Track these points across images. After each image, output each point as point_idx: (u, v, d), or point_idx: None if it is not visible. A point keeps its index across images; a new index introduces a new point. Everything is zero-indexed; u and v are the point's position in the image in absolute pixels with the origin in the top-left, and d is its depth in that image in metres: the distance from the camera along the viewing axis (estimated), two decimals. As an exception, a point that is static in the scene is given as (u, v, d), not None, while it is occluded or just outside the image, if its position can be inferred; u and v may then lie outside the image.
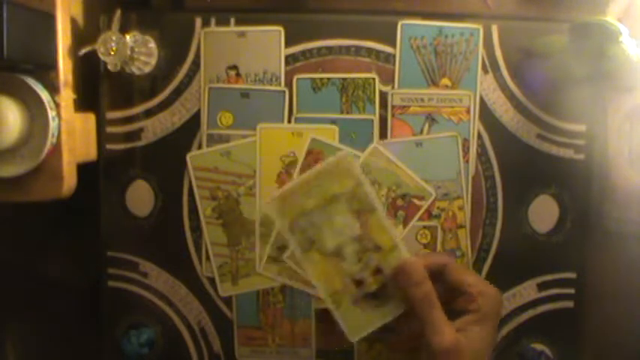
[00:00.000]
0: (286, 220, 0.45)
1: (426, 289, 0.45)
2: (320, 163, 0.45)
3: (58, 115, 0.48)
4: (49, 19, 0.47)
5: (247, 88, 0.54)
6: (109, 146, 0.55)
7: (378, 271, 0.46)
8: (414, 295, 0.45)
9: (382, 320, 0.46)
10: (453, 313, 0.46)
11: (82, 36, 0.52)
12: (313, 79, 0.54)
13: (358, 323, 0.46)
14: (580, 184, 0.55)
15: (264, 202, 0.52)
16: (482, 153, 0.55)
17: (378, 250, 0.45)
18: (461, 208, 0.55)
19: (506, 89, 0.55)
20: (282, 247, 0.53)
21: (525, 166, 0.55)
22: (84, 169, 0.51)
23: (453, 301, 0.46)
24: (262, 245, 0.54)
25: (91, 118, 0.54)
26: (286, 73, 0.54)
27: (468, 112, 0.54)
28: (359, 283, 0.46)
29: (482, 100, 0.54)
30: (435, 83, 0.54)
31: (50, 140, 0.47)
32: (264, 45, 0.54)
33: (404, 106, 0.54)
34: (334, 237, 0.45)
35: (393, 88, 0.54)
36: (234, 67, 0.54)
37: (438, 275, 0.47)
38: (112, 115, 0.55)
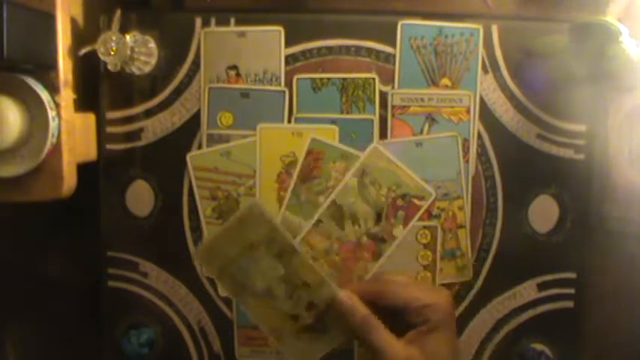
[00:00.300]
0: (215, 268, 0.46)
1: (361, 315, 0.45)
2: (235, 214, 0.46)
3: (58, 115, 0.48)
4: (49, 19, 0.47)
5: (247, 88, 0.54)
6: (109, 146, 0.55)
7: (311, 305, 0.46)
8: (351, 324, 0.45)
9: (324, 350, 0.48)
10: (409, 327, 0.45)
11: (82, 36, 0.52)
12: (313, 79, 0.54)
13: (302, 354, 0.47)
14: (580, 184, 0.55)
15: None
16: (482, 153, 0.55)
17: (307, 287, 0.46)
18: (461, 208, 0.55)
19: (506, 89, 0.54)
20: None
21: (525, 166, 0.55)
22: (84, 169, 0.51)
23: (404, 317, 0.46)
24: (262, 245, 0.54)
25: (91, 118, 0.54)
26: (286, 73, 0.54)
27: (468, 112, 0.54)
28: (295, 317, 0.47)
29: (482, 100, 0.54)
30: (435, 83, 0.54)
31: (50, 140, 0.47)
32: (264, 45, 0.54)
33: (404, 106, 0.54)
34: (262, 279, 0.46)
35: (393, 88, 0.54)
36: (234, 67, 0.54)
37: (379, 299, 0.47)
38: (112, 115, 0.55)
